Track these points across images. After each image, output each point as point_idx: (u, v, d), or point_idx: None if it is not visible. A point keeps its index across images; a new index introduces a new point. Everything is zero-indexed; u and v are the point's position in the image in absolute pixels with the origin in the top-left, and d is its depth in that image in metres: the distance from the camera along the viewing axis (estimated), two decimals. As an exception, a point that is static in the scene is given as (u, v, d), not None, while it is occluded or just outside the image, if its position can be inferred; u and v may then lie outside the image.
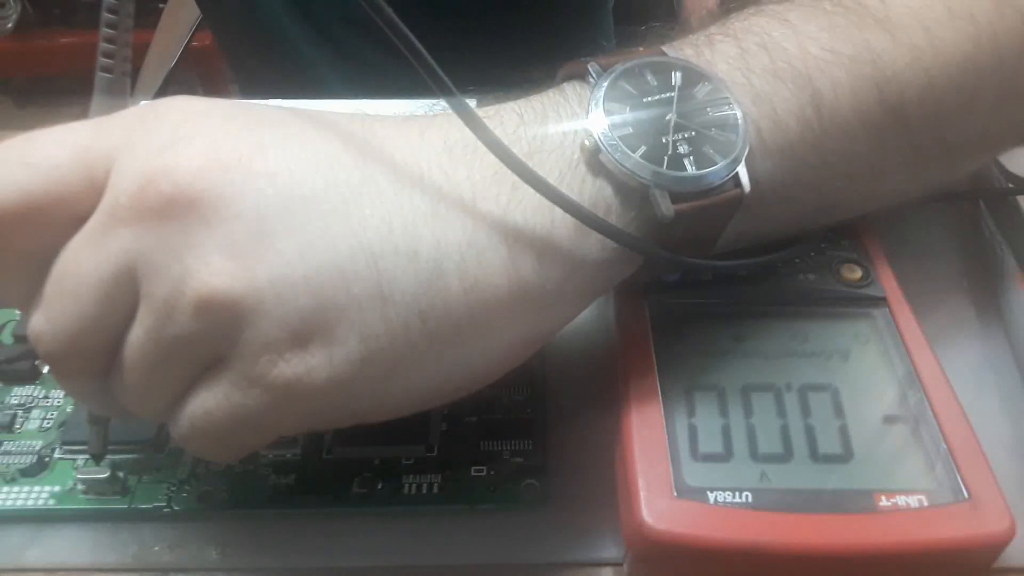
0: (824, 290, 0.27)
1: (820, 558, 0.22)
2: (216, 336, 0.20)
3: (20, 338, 0.31)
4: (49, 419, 0.29)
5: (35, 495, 0.26)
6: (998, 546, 0.22)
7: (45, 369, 0.30)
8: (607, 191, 0.23)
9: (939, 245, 0.34)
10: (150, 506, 0.26)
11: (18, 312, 0.32)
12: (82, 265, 0.20)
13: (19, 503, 0.26)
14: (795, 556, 0.21)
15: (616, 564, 0.25)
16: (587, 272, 0.23)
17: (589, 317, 0.29)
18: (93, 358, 0.21)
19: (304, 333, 0.20)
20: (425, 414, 0.28)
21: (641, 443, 0.23)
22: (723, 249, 0.25)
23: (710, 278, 0.28)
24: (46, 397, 0.30)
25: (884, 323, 0.27)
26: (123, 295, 0.20)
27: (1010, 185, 0.34)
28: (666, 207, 0.22)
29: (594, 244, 0.22)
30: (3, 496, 0.26)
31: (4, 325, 0.32)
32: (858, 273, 0.28)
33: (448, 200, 0.21)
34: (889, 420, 0.24)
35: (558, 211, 0.22)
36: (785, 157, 0.24)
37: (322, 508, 0.26)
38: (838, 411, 0.24)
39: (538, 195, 0.21)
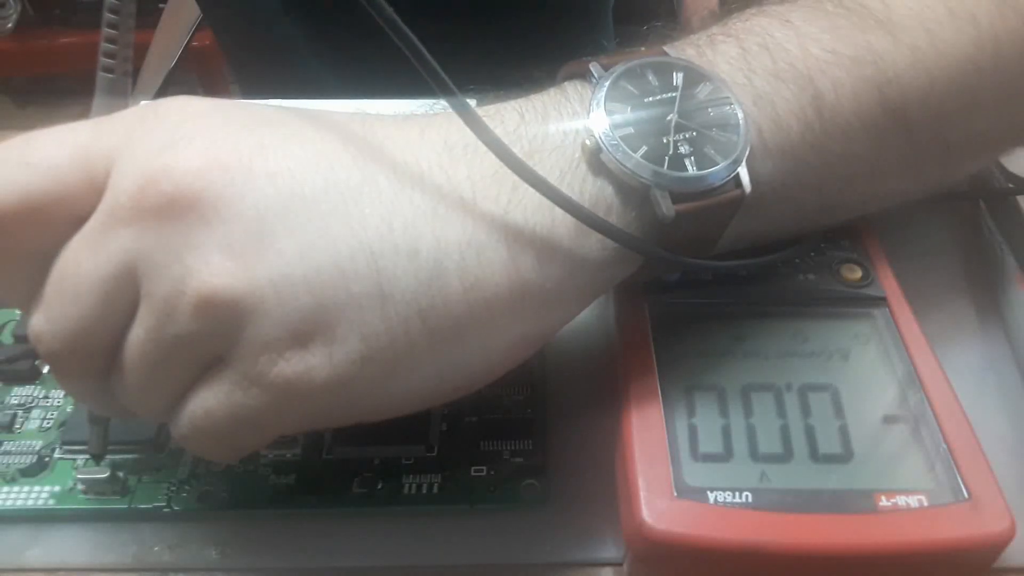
0: (824, 290, 0.27)
1: (820, 558, 0.22)
2: (216, 335, 0.20)
3: (20, 338, 0.31)
4: (49, 419, 0.29)
5: (35, 495, 0.26)
6: (998, 546, 0.22)
7: (45, 369, 0.30)
8: (608, 191, 0.23)
9: (939, 245, 0.34)
10: (150, 506, 0.26)
11: (18, 312, 0.32)
12: (82, 265, 0.20)
13: (19, 503, 0.26)
14: (795, 556, 0.21)
15: (616, 564, 0.25)
16: (587, 271, 0.23)
17: (589, 317, 0.29)
18: (93, 358, 0.21)
19: (304, 332, 0.20)
20: (425, 414, 0.28)
21: (641, 443, 0.23)
22: (723, 249, 0.25)
23: (710, 278, 0.28)
24: (46, 397, 0.30)
25: (884, 323, 0.27)
26: (123, 295, 0.20)
27: (1010, 185, 0.34)
28: (667, 207, 0.22)
29: (595, 243, 0.23)
30: (3, 496, 0.26)
31: (4, 325, 0.32)
32: (858, 273, 0.28)
33: (448, 199, 0.21)
34: (889, 420, 0.24)
35: (559, 210, 0.22)
36: (786, 158, 0.24)
37: (322, 508, 0.26)
38: (838, 411, 0.24)
39: (539, 194, 0.21)
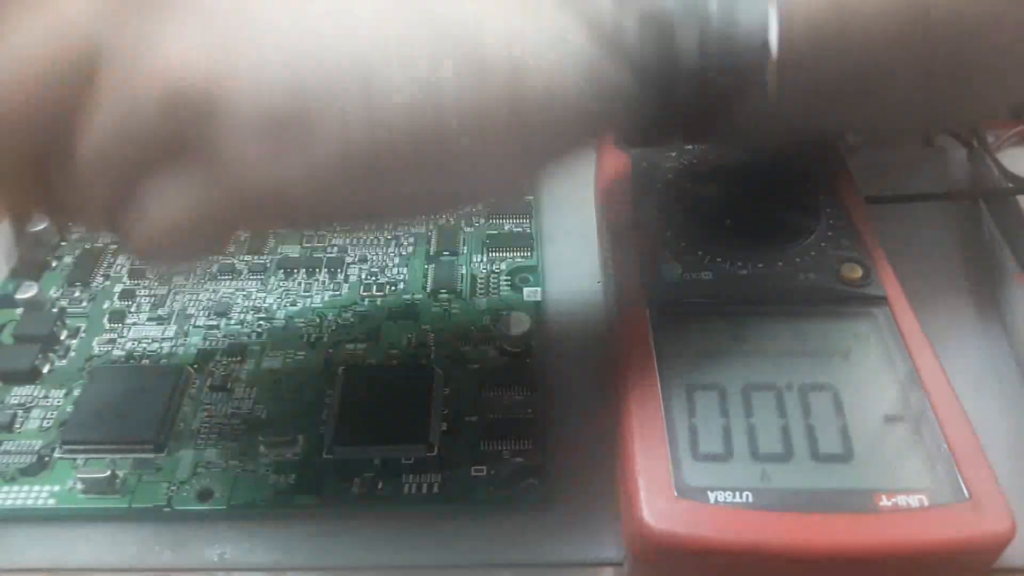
0: (824, 290, 0.27)
1: (820, 558, 0.22)
2: (183, 129, 0.18)
3: (20, 338, 0.31)
4: (49, 419, 0.29)
5: (35, 495, 0.26)
6: (998, 546, 0.22)
7: (45, 369, 0.30)
8: (629, 22, 0.21)
9: (939, 245, 0.34)
10: (150, 506, 0.26)
11: (18, 312, 0.32)
12: (29, 47, 0.18)
13: (19, 503, 0.26)
14: (795, 556, 0.21)
15: (616, 564, 0.25)
16: (588, 99, 0.21)
17: (589, 317, 0.29)
18: (35, 147, 0.19)
19: (281, 129, 0.18)
20: (425, 414, 0.28)
21: (641, 443, 0.23)
22: (733, 143, 0.24)
23: (710, 277, 0.28)
24: (46, 397, 0.30)
25: (884, 322, 0.27)
26: (76, 78, 0.18)
27: (1010, 185, 0.34)
28: (689, 45, 0.21)
29: (608, 68, 0.21)
30: (3, 496, 0.26)
31: (4, 325, 0.32)
32: (858, 272, 0.28)
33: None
34: (889, 420, 0.24)
35: (570, 39, 0.20)
36: (811, 39, 0.22)
37: (322, 508, 0.26)
38: (838, 411, 0.24)
39: (551, 13, 0.20)
